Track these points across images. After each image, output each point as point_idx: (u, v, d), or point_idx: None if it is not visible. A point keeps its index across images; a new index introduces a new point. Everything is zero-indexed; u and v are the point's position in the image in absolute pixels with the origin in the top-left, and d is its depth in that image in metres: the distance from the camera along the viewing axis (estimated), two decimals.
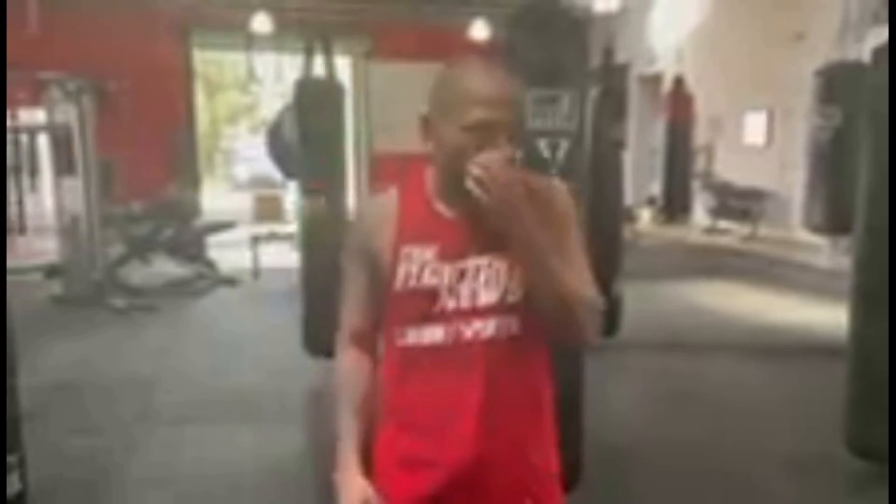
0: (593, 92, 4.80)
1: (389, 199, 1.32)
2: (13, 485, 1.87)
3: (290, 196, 11.35)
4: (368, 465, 1.35)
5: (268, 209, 13.57)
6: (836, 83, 5.19)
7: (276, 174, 9.16)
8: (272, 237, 8.01)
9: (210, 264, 7.65)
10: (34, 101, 6.80)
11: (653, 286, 7.03)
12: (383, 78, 12.59)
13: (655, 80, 11.01)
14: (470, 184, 1.18)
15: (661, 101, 9.57)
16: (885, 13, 5.19)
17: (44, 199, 6.98)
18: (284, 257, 7.39)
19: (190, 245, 7.65)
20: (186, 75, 12.01)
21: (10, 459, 1.89)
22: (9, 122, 6.54)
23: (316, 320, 4.30)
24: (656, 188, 9.74)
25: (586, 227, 2.89)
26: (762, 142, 9.45)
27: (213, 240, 8.11)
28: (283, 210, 13.39)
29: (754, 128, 9.58)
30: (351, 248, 1.35)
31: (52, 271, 6.75)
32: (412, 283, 1.25)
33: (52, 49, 8.21)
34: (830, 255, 7.19)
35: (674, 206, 9.00)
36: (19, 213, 6.65)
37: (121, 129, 8.34)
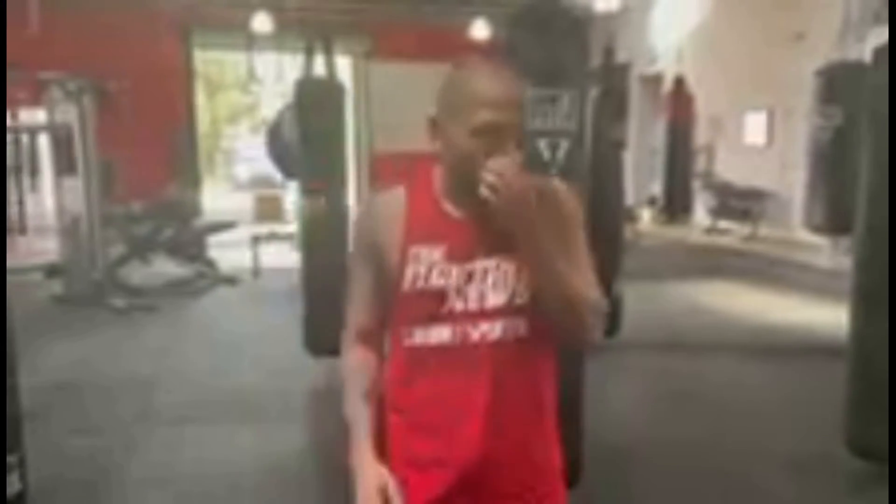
0: (594, 92, 4.80)
1: (396, 197, 1.31)
2: (13, 484, 1.87)
3: (291, 196, 11.36)
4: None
5: (268, 209, 13.57)
6: (836, 83, 5.19)
7: (277, 174, 9.17)
8: (272, 237, 8.01)
9: (210, 264, 7.65)
10: (35, 101, 6.80)
11: (653, 286, 7.02)
12: (384, 78, 12.59)
13: (656, 79, 11.00)
14: (484, 190, 1.18)
15: (662, 101, 9.56)
16: (885, 13, 5.18)
17: (44, 198, 6.98)
18: (285, 257, 7.41)
19: (190, 245, 7.65)
20: (187, 75, 12.01)
21: (11, 459, 1.89)
22: (9, 122, 6.55)
23: (316, 320, 4.30)
24: (657, 188, 9.74)
25: (587, 228, 2.89)
26: (763, 142, 9.45)
27: (213, 239, 8.11)
28: (284, 210, 13.39)
29: (755, 128, 9.58)
30: (357, 246, 1.35)
31: (52, 271, 6.76)
32: (420, 283, 1.25)
33: (52, 49, 8.21)
34: (831, 256, 7.19)
35: (674, 206, 9.00)
36: (20, 212, 6.65)
37: (121, 129, 8.34)
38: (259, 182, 17.45)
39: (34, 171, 6.75)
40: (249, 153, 21.84)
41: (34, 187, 6.83)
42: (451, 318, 1.25)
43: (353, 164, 11.35)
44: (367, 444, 1.33)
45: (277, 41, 10.29)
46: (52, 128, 6.49)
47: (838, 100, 5.13)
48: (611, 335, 4.96)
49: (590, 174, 4.36)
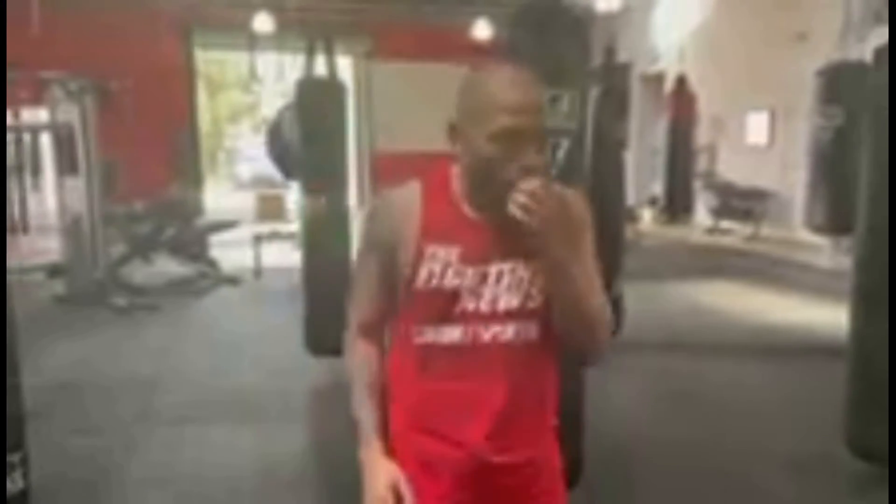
0: (595, 91, 4.80)
1: (411, 193, 1.30)
2: (16, 483, 1.88)
3: (293, 195, 11.36)
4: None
5: (270, 208, 13.57)
6: (837, 83, 5.19)
7: (279, 174, 9.18)
8: (274, 236, 8.02)
9: (212, 263, 7.66)
10: (36, 101, 6.81)
11: (654, 286, 7.02)
12: (385, 78, 12.60)
13: (657, 79, 11.00)
14: (516, 211, 1.17)
15: (663, 101, 9.56)
16: (886, 13, 5.18)
17: (46, 198, 6.99)
18: (286, 257, 7.41)
19: (192, 244, 7.65)
20: (188, 74, 12.02)
21: (13, 458, 1.90)
22: (12, 122, 6.56)
23: (317, 320, 4.30)
24: (658, 188, 9.74)
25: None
26: (764, 142, 9.44)
27: (215, 239, 8.11)
28: (286, 209, 13.39)
29: (756, 128, 9.57)
30: (369, 240, 1.34)
31: (54, 271, 6.77)
32: (434, 282, 1.25)
33: (54, 48, 8.22)
34: (832, 255, 7.19)
35: (676, 206, 9.01)
36: (22, 212, 6.65)
37: (123, 128, 8.34)
38: (261, 181, 17.46)
39: (36, 171, 6.75)
40: (251, 153, 21.85)
41: (36, 187, 6.83)
42: (463, 318, 1.26)
43: (354, 163, 11.36)
44: (376, 440, 1.34)
45: (278, 41, 10.30)
46: (53, 127, 6.49)
47: (839, 100, 5.14)
48: (611, 335, 4.97)
49: (591, 174, 4.36)
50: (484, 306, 1.26)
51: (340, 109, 4.61)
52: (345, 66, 11.10)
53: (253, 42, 10.96)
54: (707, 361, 4.90)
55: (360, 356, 1.37)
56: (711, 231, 9.97)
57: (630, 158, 5.64)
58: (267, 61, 12.89)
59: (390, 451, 1.34)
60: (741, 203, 9.52)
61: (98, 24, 9.96)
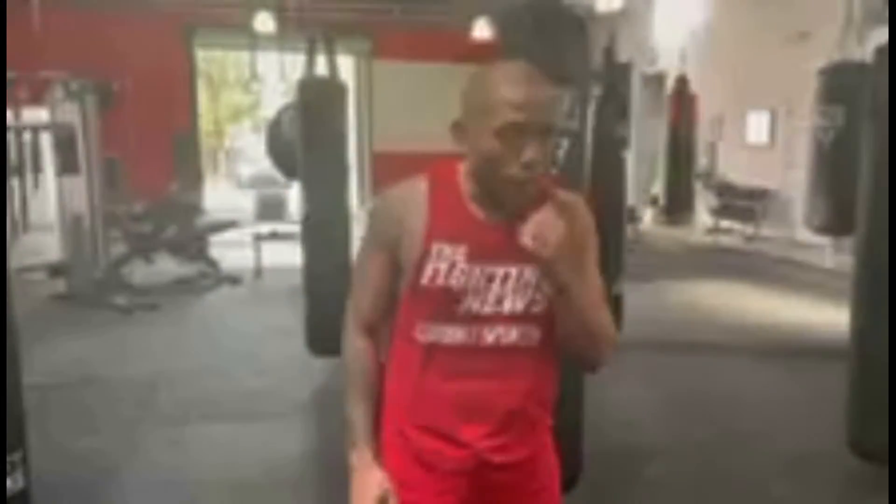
0: (595, 91, 4.80)
1: (418, 189, 1.29)
2: (17, 482, 1.88)
3: (293, 195, 11.36)
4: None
5: (271, 208, 13.56)
6: (838, 83, 5.19)
7: (279, 173, 9.17)
8: (275, 236, 8.02)
9: (212, 263, 7.66)
10: (37, 101, 6.82)
11: (655, 286, 7.03)
12: (386, 77, 12.60)
13: (658, 79, 11.00)
14: (530, 242, 1.16)
15: (664, 101, 9.56)
16: (887, 13, 5.18)
17: (47, 197, 6.99)
18: (286, 256, 7.41)
19: (192, 244, 7.65)
20: (189, 74, 12.04)
21: (14, 457, 1.90)
22: (13, 121, 6.56)
23: (319, 320, 4.31)
24: (659, 188, 9.74)
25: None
26: (765, 141, 9.44)
27: (215, 239, 8.12)
28: (286, 209, 13.39)
29: (757, 127, 9.57)
30: (374, 235, 1.32)
31: (55, 270, 6.77)
32: (440, 280, 1.24)
33: (55, 48, 8.22)
34: (832, 255, 7.19)
35: (676, 205, 9.00)
36: (23, 211, 6.66)
37: (124, 128, 8.36)
38: (261, 181, 17.45)
39: (37, 170, 6.76)
40: (252, 152, 21.85)
41: (37, 186, 6.83)
42: (466, 318, 1.25)
43: (354, 163, 11.37)
44: (367, 446, 1.33)
45: (279, 41, 10.31)
46: (54, 127, 6.50)
47: (840, 100, 5.13)
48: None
49: (591, 174, 4.36)
50: (488, 308, 1.25)
51: (341, 109, 4.62)
52: (346, 66, 11.10)
53: (254, 42, 10.97)
54: (707, 361, 4.90)
55: (357, 355, 1.36)
56: (712, 231, 9.97)
57: (630, 158, 5.63)
58: (268, 61, 12.90)
59: (386, 451, 1.34)
60: (742, 203, 9.52)
61: (99, 23, 9.98)
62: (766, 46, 8.93)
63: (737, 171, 9.87)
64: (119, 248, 7.23)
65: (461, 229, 1.25)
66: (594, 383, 2.73)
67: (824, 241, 7.01)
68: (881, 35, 3.36)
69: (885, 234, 2.75)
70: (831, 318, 5.33)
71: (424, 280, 1.25)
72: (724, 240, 9.71)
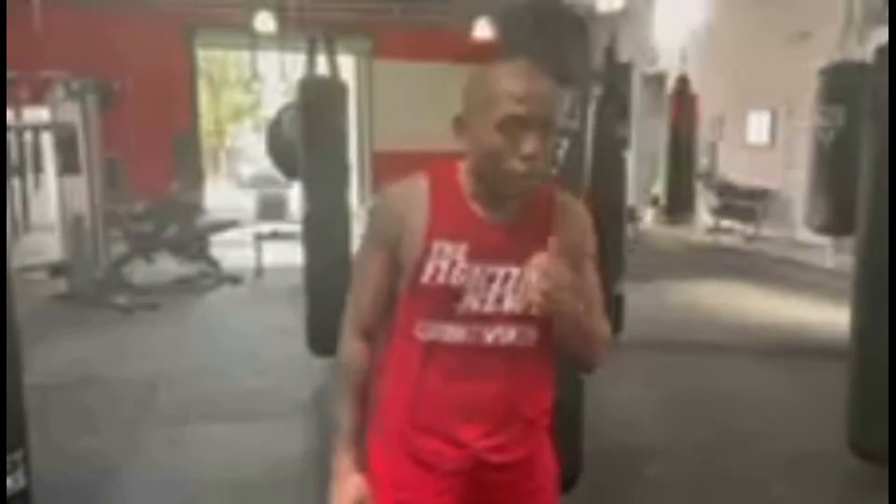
0: (596, 91, 4.80)
1: (418, 187, 1.28)
2: (18, 481, 1.89)
3: (294, 195, 11.36)
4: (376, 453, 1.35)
5: (271, 208, 13.56)
6: (839, 83, 5.19)
7: (279, 173, 9.17)
8: (275, 236, 8.02)
9: (213, 263, 7.66)
10: (38, 100, 6.82)
11: (655, 286, 7.03)
12: (386, 77, 12.61)
13: (658, 79, 11.00)
14: (535, 296, 1.16)
15: (664, 101, 9.56)
16: (887, 13, 5.18)
17: (48, 197, 7.00)
18: (288, 256, 7.41)
19: (193, 244, 7.66)
20: (190, 74, 12.04)
21: (15, 456, 1.91)
22: (13, 121, 6.56)
23: (320, 320, 4.31)
24: (659, 188, 9.74)
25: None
26: (766, 141, 9.44)
27: (216, 238, 8.12)
28: (287, 209, 13.39)
29: (758, 127, 9.57)
30: (373, 234, 1.32)
31: (56, 269, 6.78)
32: (441, 279, 1.24)
33: (56, 48, 8.23)
34: (833, 255, 7.19)
35: (677, 205, 9.00)
36: (24, 211, 6.66)
37: (124, 127, 8.37)
38: (262, 181, 17.47)
39: (38, 170, 6.76)
40: (253, 152, 21.85)
41: (38, 185, 6.84)
42: (466, 317, 1.25)
43: (355, 163, 11.38)
44: (349, 451, 1.34)
45: (280, 40, 10.31)
46: (55, 127, 6.50)
47: (841, 99, 5.14)
48: (613, 334, 4.97)
49: (592, 174, 4.37)
50: (489, 307, 1.25)
51: (342, 109, 4.62)
52: (346, 66, 11.11)
53: (254, 41, 10.97)
54: (707, 360, 4.90)
55: (353, 357, 1.36)
56: (712, 231, 9.97)
57: (631, 158, 5.64)
58: (268, 60, 12.91)
59: (382, 451, 1.34)
60: (742, 203, 9.52)
61: (100, 23, 9.99)
62: (766, 46, 8.93)
63: (737, 171, 9.87)
64: (120, 248, 7.23)
65: (462, 228, 1.25)
66: (594, 383, 2.74)
67: (825, 241, 7.01)
68: (882, 35, 3.36)
69: (886, 234, 2.75)
70: (831, 317, 5.33)
71: (425, 278, 1.25)
72: (725, 240, 9.71)
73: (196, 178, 11.34)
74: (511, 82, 1.19)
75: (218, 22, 11.18)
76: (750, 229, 9.39)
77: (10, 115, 6.51)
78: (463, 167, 1.29)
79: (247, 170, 22.04)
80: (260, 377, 4.50)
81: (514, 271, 1.25)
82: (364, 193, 12.88)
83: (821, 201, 5.44)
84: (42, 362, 4.43)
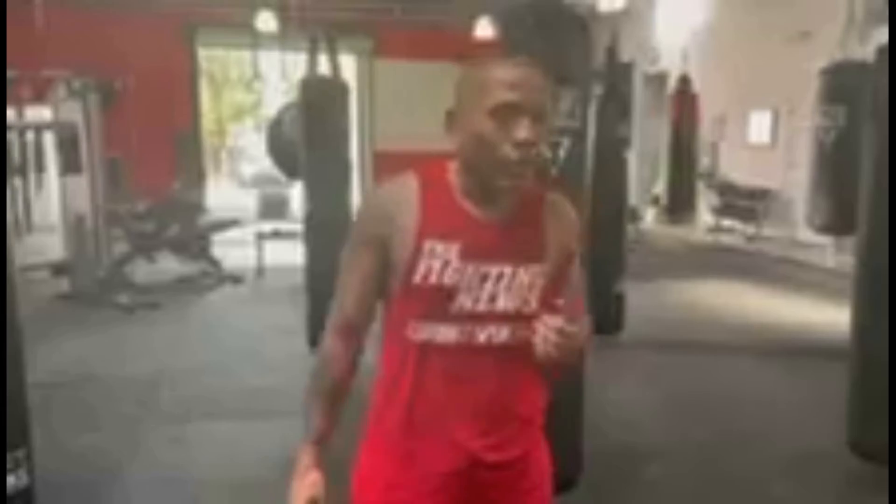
0: (597, 90, 4.81)
1: (408, 186, 1.28)
2: (21, 479, 1.90)
3: (295, 194, 11.37)
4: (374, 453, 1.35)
5: (273, 207, 13.58)
6: (840, 82, 5.20)
7: (280, 172, 9.18)
8: (277, 235, 8.03)
9: (214, 262, 7.67)
10: (40, 99, 6.84)
11: (656, 285, 7.03)
12: (388, 76, 12.61)
13: (660, 78, 11.00)
14: (544, 347, 1.19)
15: (666, 101, 9.56)
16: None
17: (50, 197, 7.02)
18: (289, 255, 7.43)
19: (194, 243, 7.67)
20: (191, 73, 12.04)
21: (18, 454, 1.92)
22: (15, 120, 6.58)
23: (321, 318, 4.29)
24: (660, 187, 9.74)
25: (590, 227, 2.90)
26: (767, 141, 9.44)
27: (217, 237, 8.13)
28: (288, 208, 13.41)
29: (759, 127, 9.57)
30: (361, 234, 1.30)
31: (58, 269, 6.79)
32: (433, 279, 1.23)
33: (57, 47, 8.24)
34: (834, 255, 7.19)
35: (678, 205, 9.01)
36: (26, 211, 6.68)
37: (126, 127, 8.38)
38: (263, 180, 17.49)
39: (40, 170, 6.77)
40: (254, 151, 21.87)
41: (40, 185, 6.85)
42: (459, 317, 1.25)
43: (356, 162, 11.38)
44: (312, 448, 1.34)
45: (281, 40, 10.32)
46: (57, 126, 6.51)
47: (842, 99, 5.14)
48: (614, 333, 4.98)
49: (593, 173, 4.37)
50: (482, 306, 1.25)
51: (343, 108, 4.63)
52: (347, 65, 11.11)
53: (256, 41, 10.98)
54: (707, 359, 4.91)
55: (331, 356, 1.35)
56: (713, 230, 9.97)
57: (632, 158, 5.64)
58: (270, 60, 12.91)
59: (375, 452, 1.34)
60: (743, 202, 9.52)
61: (101, 22, 9.99)
62: (767, 46, 8.93)
63: (738, 170, 9.86)
64: (121, 247, 7.25)
65: (454, 227, 1.25)
66: (594, 383, 2.75)
67: (825, 240, 7.02)
68: (883, 34, 3.37)
69: (886, 234, 2.76)
70: (832, 317, 5.33)
71: (417, 278, 1.24)
72: (726, 239, 9.71)
73: (197, 178, 11.34)
74: (503, 70, 1.20)
75: (219, 21, 11.18)
76: (751, 229, 9.39)
77: (12, 114, 6.53)
78: (452, 166, 1.29)
79: (248, 169, 22.07)
80: (261, 376, 4.50)
81: (507, 270, 1.25)
82: (366, 192, 12.88)
83: (822, 201, 5.45)
84: (44, 361, 4.44)
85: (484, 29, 10.31)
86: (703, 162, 9.93)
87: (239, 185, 21.54)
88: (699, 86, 8.55)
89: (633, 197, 8.66)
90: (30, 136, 6.65)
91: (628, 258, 5.19)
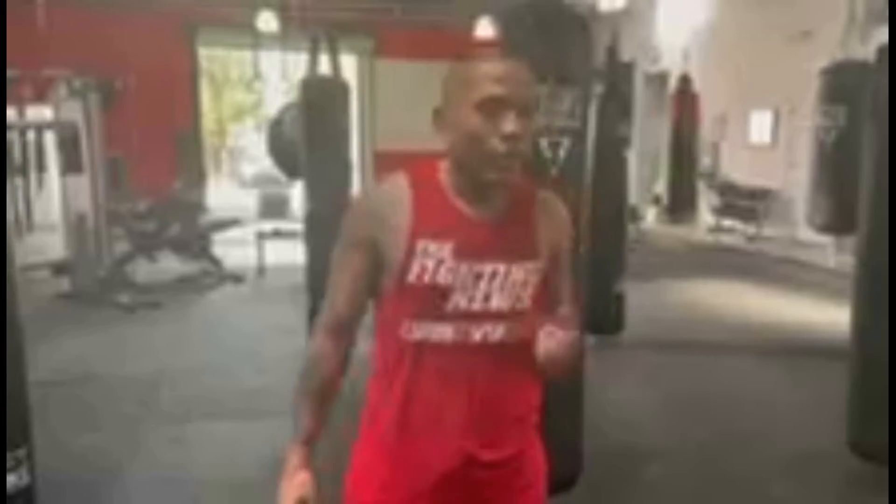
0: (598, 90, 4.81)
1: (398, 187, 1.28)
2: (22, 478, 1.90)
3: (296, 193, 11.36)
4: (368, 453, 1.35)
5: (273, 206, 13.60)
6: (841, 82, 5.19)
7: (281, 172, 9.18)
8: (277, 234, 8.04)
9: (215, 261, 7.68)
10: (41, 99, 6.84)
11: (657, 285, 7.03)
12: (389, 76, 12.61)
13: (660, 78, 11.00)
14: (543, 357, 1.24)
15: (666, 100, 9.56)
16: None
17: (51, 196, 7.02)
18: (289, 254, 7.43)
19: (195, 242, 7.68)
20: (192, 73, 12.05)
21: (19, 453, 1.92)
22: (16, 120, 6.58)
23: None
24: (661, 187, 9.74)
25: (590, 226, 2.90)
26: (768, 141, 9.44)
27: (218, 237, 8.14)
28: (289, 207, 13.42)
29: (760, 127, 9.57)
30: (352, 235, 1.30)
31: (59, 268, 6.79)
32: (427, 278, 1.23)
33: (58, 46, 8.25)
34: (834, 255, 7.19)
35: (678, 205, 9.00)
36: (27, 210, 6.68)
37: (127, 126, 8.38)
38: (264, 179, 17.50)
39: (41, 169, 6.78)
40: (254, 151, 21.89)
41: (41, 184, 6.86)
42: (455, 315, 1.25)
43: (357, 161, 11.38)
44: (301, 448, 1.34)
45: (282, 39, 10.33)
46: (58, 125, 6.52)
47: (842, 99, 5.14)
48: (615, 333, 4.98)
49: (594, 173, 4.37)
50: (476, 305, 1.25)
51: (344, 108, 4.63)
52: (348, 65, 11.11)
53: (256, 41, 10.98)
54: (708, 358, 4.91)
55: (320, 354, 1.34)
56: (714, 230, 9.97)
57: (633, 158, 5.64)
58: (270, 60, 12.92)
59: (370, 453, 1.34)
60: (744, 202, 9.52)
61: (102, 22, 10.00)
62: (768, 46, 8.93)
63: (739, 170, 9.86)
64: (122, 247, 7.25)
65: (447, 226, 1.25)
66: (594, 382, 2.75)
67: (826, 240, 7.02)
68: (883, 34, 3.37)
69: (886, 234, 2.76)
70: (833, 317, 5.33)
71: (411, 278, 1.24)
72: (727, 239, 9.71)
73: (198, 177, 11.35)
74: (489, 65, 1.21)
75: (220, 21, 11.18)
76: (751, 229, 9.39)
77: (13, 113, 6.53)
78: (443, 166, 1.29)
79: (248, 169, 22.09)
80: (261, 375, 4.50)
81: (501, 268, 1.26)
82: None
83: (822, 200, 5.45)
84: (45, 360, 4.44)
85: (484, 29, 10.31)
86: (704, 162, 9.92)
87: (239, 184, 21.56)
88: (700, 85, 8.55)
89: (634, 196, 8.66)
90: (31, 135, 6.66)
91: (629, 258, 5.19)
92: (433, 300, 1.24)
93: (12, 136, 6.37)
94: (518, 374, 1.32)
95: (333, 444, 1.47)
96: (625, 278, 5.00)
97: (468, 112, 1.20)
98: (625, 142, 5.00)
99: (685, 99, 8.49)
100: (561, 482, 2.55)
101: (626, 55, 8.88)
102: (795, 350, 5.09)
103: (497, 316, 1.26)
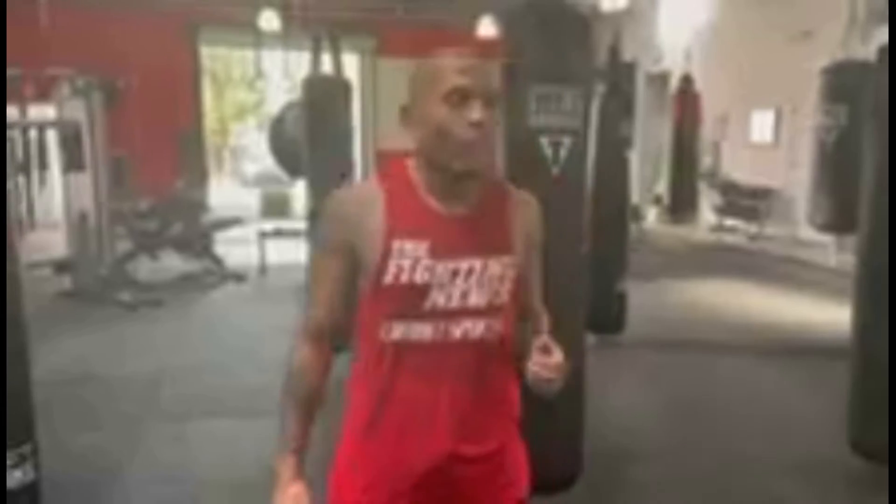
0: (599, 89, 4.81)
1: (370, 188, 1.29)
2: (27, 474, 1.91)
3: (298, 192, 11.38)
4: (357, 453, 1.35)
5: (275, 205, 13.61)
6: (842, 82, 5.19)
7: (283, 170, 9.19)
8: (279, 233, 8.05)
9: (217, 260, 7.69)
10: (43, 97, 6.85)
11: (658, 285, 7.03)
12: (390, 75, 12.60)
13: (662, 78, 10.99)
14: (535, 382, 1.26)
15: (668, 100, 9.55)
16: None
17: (53, 194, 7.04)
18: (291, 253, 7.44)
19: (197, 241, 7.69)
20: (194, 72, 12.06)
21: (24, 450, 1.93)
22: (19, 119, 6.59)
23: None
24: (662, 187, 9.74)
25: (592, 226, 2.90)
26: (769, 140, 9.43)
27: (220, 236, 8.15)
28: (291, 206, 13.43)
29: (761, 126, 9.56)
30: (328, 241, 1.30)
31: (61, 266, 6.81)
32: (404, 278, 1.23)
33: (61, 45, 8.26)
34: (836, 254, 7.19)
35: (680, 204, 8.99)
36: (29, 208, 6.70)
37: (129, 125, 8.39)
38: (266, 178, 17.51)
39: (43, 167, 6.79)
40: (256, 150, 21.89)
41: (43, 183, 6.87)
42: (433, 314, 1.25)
43: (359, 160, 11.38)
44: (291, 457, 1.34)
45: (284, 38, 10.33)
46: (60, 124, 6.53)
47: (843, 99, 5.14)
48: (616, 332, 4.98)
49: (595, 172, 4.38)
50: (454, 302, 1.25)
51: (346, 107, 4.64)
52: (350, 64, 11.12)
53: (258, 40, 10.99)
54: (708, 358, 4.91)
55: (303, 362, 1.35)
56: (716, 230, 9.97)
57: (634, 157, 5.64)
58: (272, 59, 12.92)
59: (353, 453, 1.34)
60: (745, 202, 9.52)
61: (105, 21, 10.01)
62: (770, 45, 8.92)
63: (741, 169, 9.86)
64: (124, 245, 7.26)
65: (421, 224, 1.25)
66: (595, 383, 2.75)
67: (827, 239, 7.01)
68: (884, 34, 3.37)
69: (887, 233, 2.76)
70: (834, 316, 5.33)
71: (388, 278, 1.24)
72: (728, 238, 9.70)
73: (200, 176, 11.36)
74: (454, 59, 1.24)
75: (222, 20, 11.19)
76: (753, 228, 9.39)
77: (15, 112, 6.55)
78: (412, 163, 1.31)
79: (251, 168, 22.09)
80: (262, 374, 4.49)
81: (477, 264, 1.26)
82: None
83: (823, 199, 5.45)
84: (46, 359, 4.44)
85: (486, 28, 10.32)
86: (706, 161, 9.92)
87: (241, 183, 21.55)
88: (702, 85, 8.54)
89: (636, 196, 8.66)
90: (33, 133, 6.67)
91: (630, 257, 5.19)
92: (411, 299, 1.24)
93: (15, 135, 6.39)
94: (498, 370, 1.33)
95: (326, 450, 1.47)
96: (626, 278, 5.01)
97: (435, 104, 1.22)
98: (626, 141, 5.00)
99: (687, 99, 8.48)
100: (560, 482, 2.55)
101: (627, 55, 8.86)
102: (796, 349, 5.10)
103: (475, 312, 1.27)
